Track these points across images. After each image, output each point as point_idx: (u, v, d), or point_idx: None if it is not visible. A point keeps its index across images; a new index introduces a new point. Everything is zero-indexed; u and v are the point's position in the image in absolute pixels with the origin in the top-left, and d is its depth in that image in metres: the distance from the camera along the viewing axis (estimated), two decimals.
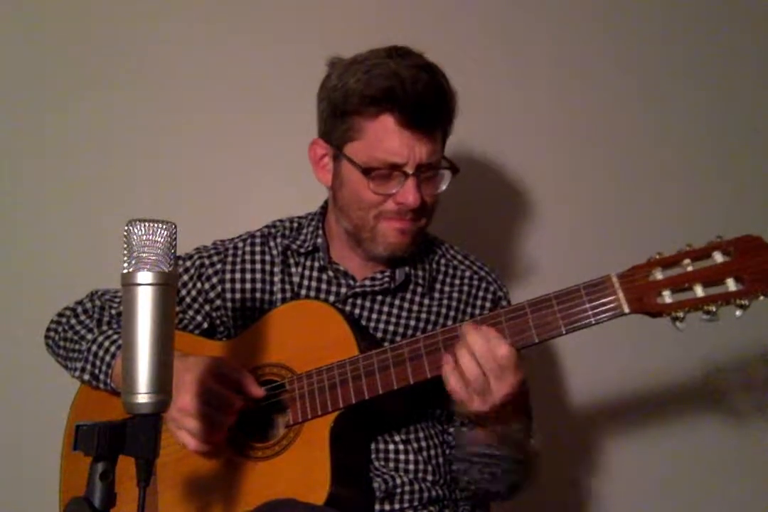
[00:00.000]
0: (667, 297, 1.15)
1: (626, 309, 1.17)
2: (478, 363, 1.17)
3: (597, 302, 1.18)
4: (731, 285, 1.13)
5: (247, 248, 1.50)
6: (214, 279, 1.48)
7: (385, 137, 1.32)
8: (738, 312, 1.13)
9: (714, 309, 1.13)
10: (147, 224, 1.00)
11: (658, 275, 1.16)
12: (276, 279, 1.47)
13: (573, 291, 1.20)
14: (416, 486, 1.36)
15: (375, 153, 1.33)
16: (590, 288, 1.19)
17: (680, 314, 1.15)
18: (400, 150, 1.32)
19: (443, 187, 1.40)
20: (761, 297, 1.12)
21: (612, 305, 1.18)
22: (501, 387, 1.18)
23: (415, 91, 1.30)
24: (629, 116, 2.13)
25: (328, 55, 1.43)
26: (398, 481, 1.35)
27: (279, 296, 1.45)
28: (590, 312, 1.18)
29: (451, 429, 1.44)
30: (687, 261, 1.15)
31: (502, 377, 1.18)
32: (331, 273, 1.46)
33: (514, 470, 1.32)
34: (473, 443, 1.30)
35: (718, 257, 1.14)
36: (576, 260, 2.00)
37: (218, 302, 1.47)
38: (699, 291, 1.14)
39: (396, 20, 2.01)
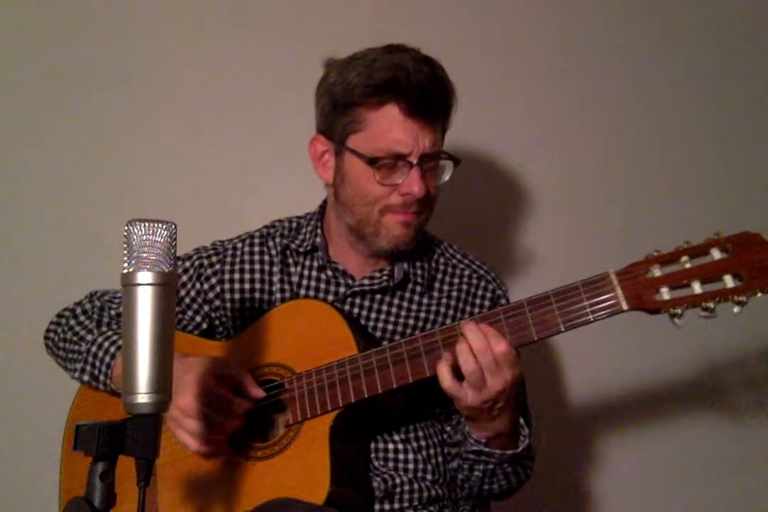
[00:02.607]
0: (665, 294, 1.16)
1: (625, 307, 1.17)
2: (476, 358, 1.19)
3: (595, 299, 1.18)
4: (729, 281, 1.13)
5: (246, 248, 1.50)
6: (213, 280, 1.48)
7: (390, 127, 1.33)
8: (736, 309, 1.13)
9: (712, 305, 1.13)
10: (147, 224, 1.00)
11: (656, 272, 1.17)
12: (275, 279, 1.47)
13: (571, 288, 1.20)
14: (416, 486, 1.37)
15: (379, 143, 1.34)
16: (589, 286, 1.19)
17: (678, 311, 1.15)
18: (404, 139, 1.33)
19: (446, 177, 1.41)
20: (759, 294, 1.12)
21: (610, 302, 1.18)
22: (496, 383, 1.20)
23: (418, 81, 1.32)
24: (630, 112, 2.14)
25: (327, 55, 1.43)
26: (398, 481, 1.36)
27: (278, 296, 1.45)
28: (589, 310, 1.19)
29: (448, 428, 1.45)
30: (685, 258, 1.16)
31: (498, 372, 1.20)
32: (330, 273, 1.46)
33: (507, 469, 1.32)
34: (466, 439, 1.30)
35: (716, 254, 1.15)
36: (574, 257, 2.00)
37: (217, 302, 1.47)
38: (697, 288, 1.14)
39: (393, 19, 2.01)
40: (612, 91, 2.13)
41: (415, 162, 1.34)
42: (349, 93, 1.35)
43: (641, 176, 2.12)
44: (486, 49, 2.07)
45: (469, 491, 1.41)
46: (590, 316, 1.19)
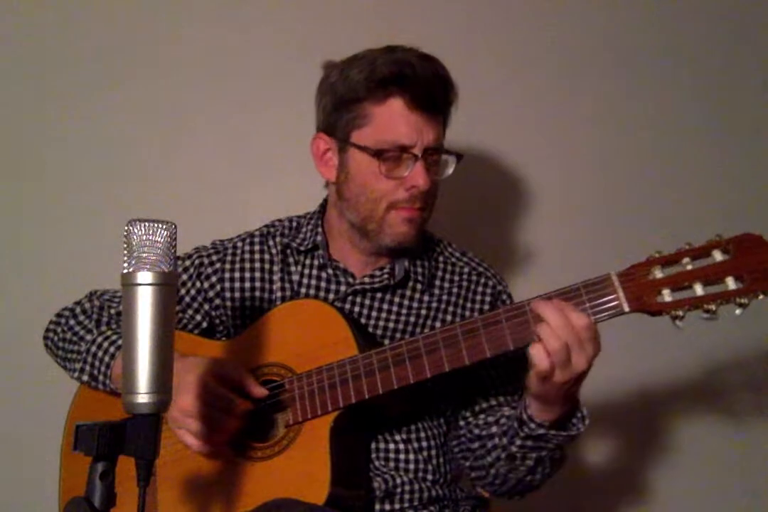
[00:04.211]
0: (667, 295, 1.15)
1: (626, 308, 1.17)
2: (559, 336, 1.14)
3: (597, 301, 1.18)
4: (731, 283, 1.13)
5: (246, 247, 1.50)
6: (213, 279, 1.48)
7: (395, 120, 1.34)
8: (738, 311, 1.13)
9: (714, 307, 1.13)
10: (147, 224, 0.99)
11: (658, 274, 1.16)
12: (275, 277, 1.47)
13: (573, 290, 1.20)
14: (416, 486, 1.37)
15: (384, 136, 1.34)
16: (590, 287, 1.19)
17: (680, 313, 1.15)
18: (409, 132, 1.34)
19: (449, 172, 1.42)
20: (761, 296, 1.12)
21: (612, 304, 1.18)
22: (581, 360, 1.15)
23: (424, 75, 1.33)
24: (631, 112, 2.14)
25: (327, 53, 1.44)
26: (398, 481, 1.36)
27: (279, 295, 1.45)
28: (590, 311, 1.18)
29: (462, 422, 1.43)
30: (686, 259, 1.15)
31: (582, 349, 1.14)
32: (330, 271, 1.46)
33: (556, 455, 1.29)
34: (525, 425, 1.24)
35: (718, 256, 1.14)
36: (574, 258, 2.00)
37: (217, 301, 1.47)
38: (699, 289, 1.14)
39: (394, 19, 2.02)
40: (613, 91, 2.13)
41: (419, 155, 1.35)
42: (353, 88, 1.36)
43: (643, 177, 2.12)
44: (486, 49, 2.06)
45: (498, 488, 1.37)
46: (591, 317, 1.18)
